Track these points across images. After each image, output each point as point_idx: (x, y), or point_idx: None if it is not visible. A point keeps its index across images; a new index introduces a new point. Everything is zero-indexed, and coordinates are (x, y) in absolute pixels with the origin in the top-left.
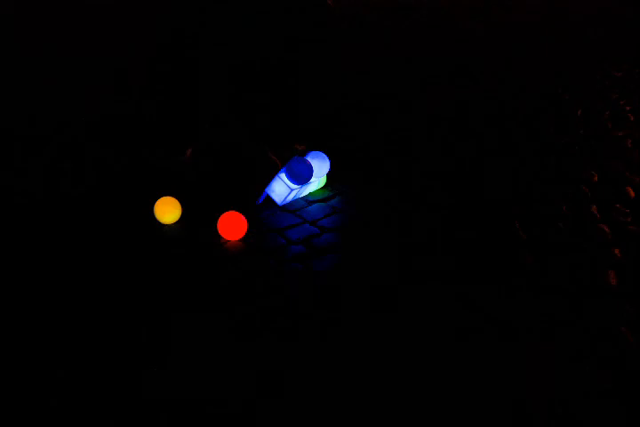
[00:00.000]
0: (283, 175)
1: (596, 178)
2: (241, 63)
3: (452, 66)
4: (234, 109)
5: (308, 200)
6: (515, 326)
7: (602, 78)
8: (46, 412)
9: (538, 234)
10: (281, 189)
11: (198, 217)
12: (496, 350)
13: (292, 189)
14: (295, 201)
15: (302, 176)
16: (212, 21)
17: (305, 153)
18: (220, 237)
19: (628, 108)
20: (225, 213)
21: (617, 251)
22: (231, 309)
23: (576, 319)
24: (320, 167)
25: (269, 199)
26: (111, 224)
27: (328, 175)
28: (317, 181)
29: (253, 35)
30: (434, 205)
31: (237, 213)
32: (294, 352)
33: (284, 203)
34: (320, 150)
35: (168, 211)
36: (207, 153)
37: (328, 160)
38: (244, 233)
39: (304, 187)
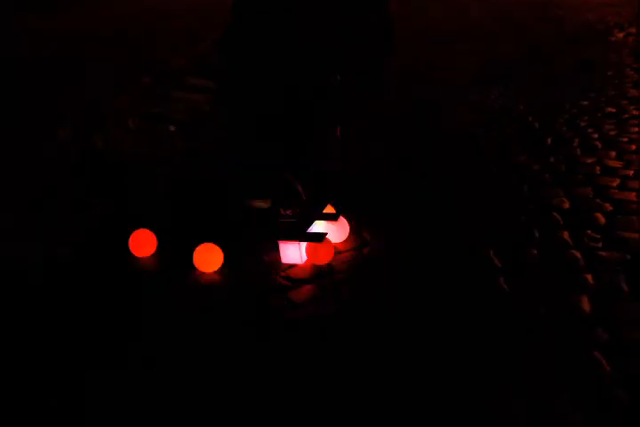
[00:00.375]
0: (303, 244)
1: (567, 205)
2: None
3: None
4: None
5: None
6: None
7: (570, 107)
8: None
9: (512, 261)
10: (295, 255)
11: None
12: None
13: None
14: None
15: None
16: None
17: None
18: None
19: (595, 135)
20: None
21: (589, 276)
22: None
23: (550, 345)
24: (339, 232)
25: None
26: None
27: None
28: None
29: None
30: (414, 237)
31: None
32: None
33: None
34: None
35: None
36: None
37: (348, 226)
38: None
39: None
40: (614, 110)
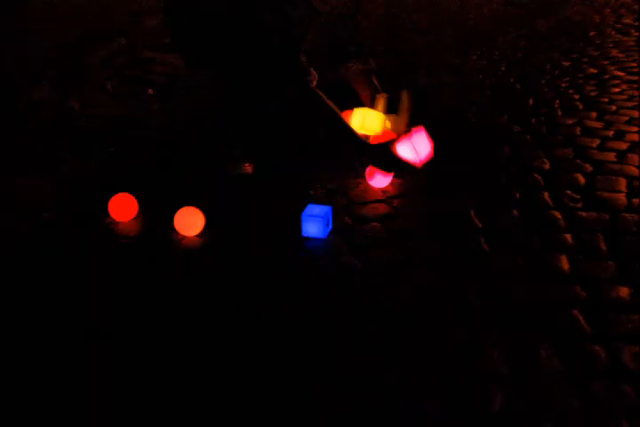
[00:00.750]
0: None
1: (548, 166)
2: None
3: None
4: None
5: None
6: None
7: (551, 68)
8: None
9: (492, 221)
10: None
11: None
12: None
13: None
14: None
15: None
16: None
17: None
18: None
19: (576, 96)
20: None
21: (569, 236)
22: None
23: (529, 304)
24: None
25: None
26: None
27: None
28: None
29: None
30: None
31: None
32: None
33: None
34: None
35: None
36: None
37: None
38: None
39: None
40: (595, 71)
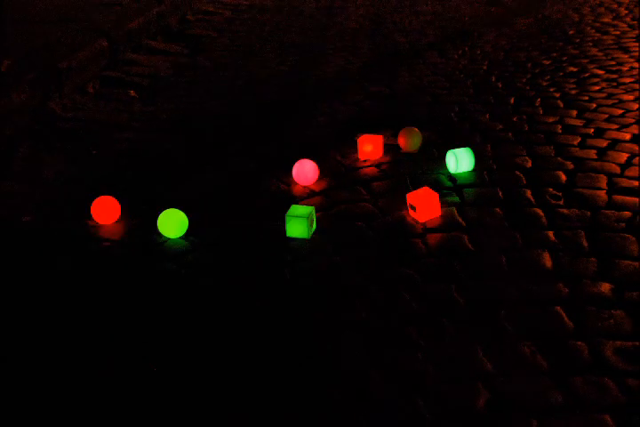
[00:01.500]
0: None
1: (530, 163)
2: None
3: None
4: None
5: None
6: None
7: (532, 67)
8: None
9: (476, 219)
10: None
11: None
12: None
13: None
14: None
15: None
16: None
17: None
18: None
19: (557, 94)
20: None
21: (551, 233)
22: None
23: (512, 301)
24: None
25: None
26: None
27: None
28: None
29: None
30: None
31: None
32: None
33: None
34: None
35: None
36: None
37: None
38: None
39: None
40: (575, 70)
